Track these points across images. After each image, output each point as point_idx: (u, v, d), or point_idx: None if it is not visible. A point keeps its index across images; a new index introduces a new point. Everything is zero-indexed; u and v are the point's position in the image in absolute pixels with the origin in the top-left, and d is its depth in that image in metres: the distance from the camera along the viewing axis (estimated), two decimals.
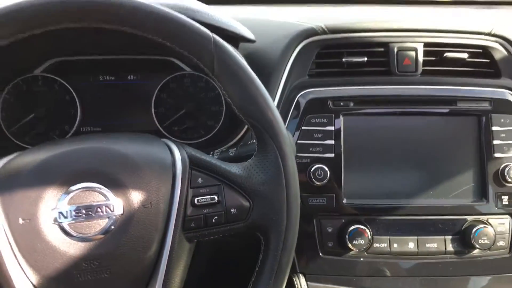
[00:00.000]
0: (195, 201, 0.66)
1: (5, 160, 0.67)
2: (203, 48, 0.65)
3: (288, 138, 0.69)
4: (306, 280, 0.96)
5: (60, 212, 0.61)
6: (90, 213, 0.62)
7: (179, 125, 1.08)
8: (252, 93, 0.67)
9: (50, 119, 1.05)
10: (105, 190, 0.63)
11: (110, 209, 0.62)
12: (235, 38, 0.96)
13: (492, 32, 1.00)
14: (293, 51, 0.99)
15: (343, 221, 0.94)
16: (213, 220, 0.67)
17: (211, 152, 0.89)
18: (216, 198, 0.67)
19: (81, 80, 1.07)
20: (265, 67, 0.98)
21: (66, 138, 1.00)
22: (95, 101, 1.08)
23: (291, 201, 0.68)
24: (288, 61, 0.98)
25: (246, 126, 1.00)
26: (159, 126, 1.08)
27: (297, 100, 0.97)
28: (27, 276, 0.60)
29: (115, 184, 0.64)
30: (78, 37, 0.93)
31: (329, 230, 0.94)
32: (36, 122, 1.05)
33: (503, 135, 0.95)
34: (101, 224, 0.62)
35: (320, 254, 0.94)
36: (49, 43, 0.98)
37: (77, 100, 1.06)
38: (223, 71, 0.66)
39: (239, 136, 1.01)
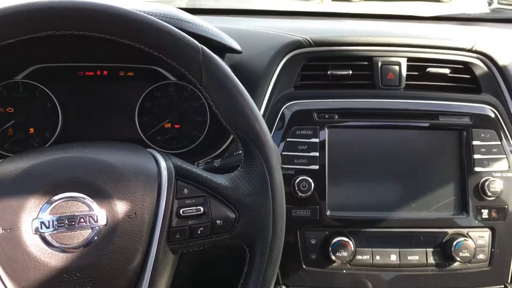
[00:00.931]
0: (181, 212, 0.66)
1: None
2: (192, 58, 0.65)
3: (274, 150, 0.69)
4: None
5: (42, 222, 0.60)
6: (73, 223, 0.61)
7: (163, 134, 1.07)
8: (239, 104, 0.67)
9: (30, 126, 1.03)
10: (88, 200, 0.62)
11: (93, 220, 0.61)
12: (221, 49, 0.96)
13: (474, 49, 1.02)
14: (279, 63, 0.99)
15: (327, 233, 0.94)
16: (199, 232, 0.66)
17: (196, 163, 0.89)
18: (201, 209, 0.66)
19: (63, 87, 1.05)
20: (251, 78, 0.98)
21: (49, 146, 0.98)
22: (77, 109, 1.06)
23: (277, 213, 0.68)
24: (274, 73, 0.99)
25: (231, 137, 1.00)
26: (142, 135, 1.07)
27: (282, 111, 0.97)
28: None
29: (99, 194, 0.63)
30: (62, 44, 0.92)
31: (313, 242, 0.94)
32: (16, 129, 1.02)
33: (483, 149, 0.96)
34: (84, 234, 0.61)
35: (303, 266, 0.94)
36: (31, 50, 0.97)
37: (58, 107, 1.04)
38: (211, 82, 0.66)
39: (224, 146, 1.00)
